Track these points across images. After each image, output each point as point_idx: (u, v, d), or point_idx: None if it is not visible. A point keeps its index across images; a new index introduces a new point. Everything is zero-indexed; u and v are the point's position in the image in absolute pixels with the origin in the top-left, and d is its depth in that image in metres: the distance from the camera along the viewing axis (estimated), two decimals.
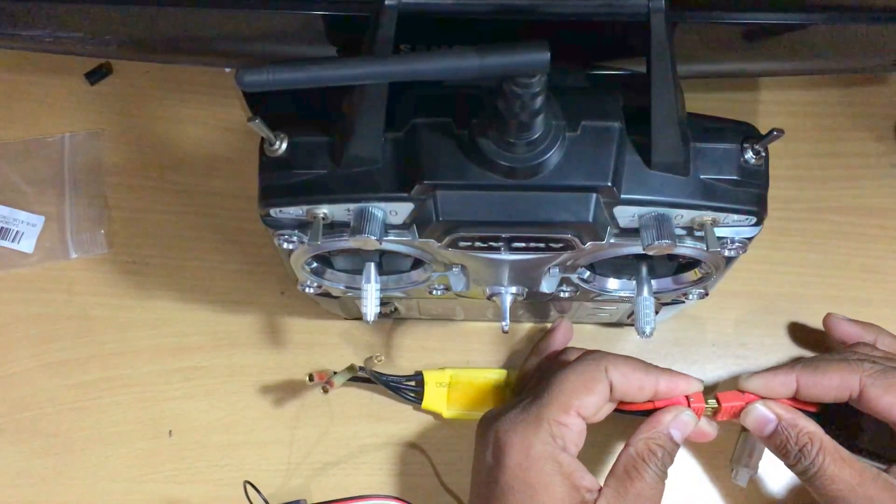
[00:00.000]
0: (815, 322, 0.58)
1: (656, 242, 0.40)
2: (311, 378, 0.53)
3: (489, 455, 0.47)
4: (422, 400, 0.57)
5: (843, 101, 0.64)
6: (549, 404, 0.46)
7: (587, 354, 0.49)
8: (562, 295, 0.49)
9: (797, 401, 0.50)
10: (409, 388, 0.57)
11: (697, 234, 0.42)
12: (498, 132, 0.37)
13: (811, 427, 0.48)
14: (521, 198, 0.39)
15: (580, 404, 0.46)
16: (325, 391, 0.52)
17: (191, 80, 0.64)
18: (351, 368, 0.54)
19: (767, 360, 0.59)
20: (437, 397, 0.57)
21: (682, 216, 0.41)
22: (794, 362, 0.52)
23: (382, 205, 0.40)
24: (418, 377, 0.57)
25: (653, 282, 0.48)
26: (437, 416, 0.58)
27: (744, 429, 0.51)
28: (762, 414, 0.49)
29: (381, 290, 0.47)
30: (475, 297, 0.49)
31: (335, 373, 0.53)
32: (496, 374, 0.58)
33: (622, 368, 0.47)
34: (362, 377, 0.55)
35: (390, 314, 0.57)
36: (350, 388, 0.58)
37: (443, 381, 0.57)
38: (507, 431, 0.46)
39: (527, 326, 0.60)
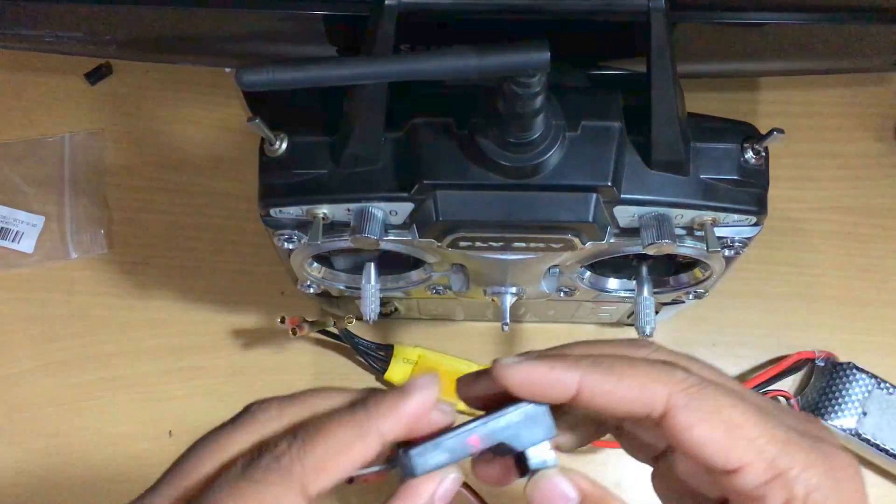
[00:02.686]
0: (816, 322, 0.58)
1: (656, 242, 0.40)
2: (282, 320, 0.53)
3: None
4: (385, 371, 0.57)
5: (843, 101, 0.64)
6: None
7: None
8: (562, 295, 0.49)
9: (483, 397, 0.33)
10: (376, 356, 0.57)
11: (697, 234, 0.42)
12: (498, 132, 0.37)
13: None
14: (521, 198, 0.39)
15: None
16: (294, 333, 0.52)
17: (191, 80, 0.64)
18: (324, 321, 0.54)
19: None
20: (401, 372, 0.57)
21: (682, 216, 0.41)
22: (581, 355, 0.32)
23: (382, 205, 0.40)
24: (388, 349, 0.57)
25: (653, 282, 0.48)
26: None
27: None
28: (561, 492, 0.32)
29: (381, 290, 0.47)
30: (475, 297, 0.49)
31: (307, 320, 0.53)
32: (463, 365, 0.58)
33: None
34: (332, 333, 0.55)
35: (390, 314, 0.57)
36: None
37: (411, 357, 0.57)
38: None
39: (527, 326, 0.60)
